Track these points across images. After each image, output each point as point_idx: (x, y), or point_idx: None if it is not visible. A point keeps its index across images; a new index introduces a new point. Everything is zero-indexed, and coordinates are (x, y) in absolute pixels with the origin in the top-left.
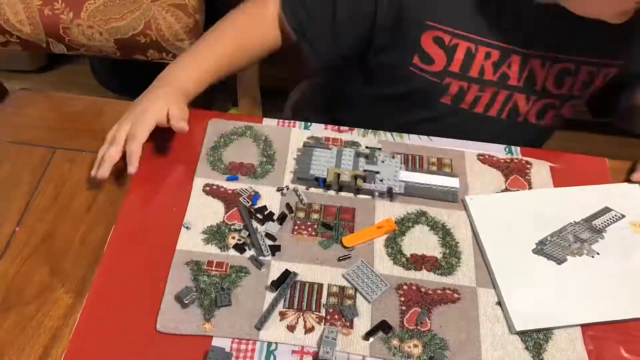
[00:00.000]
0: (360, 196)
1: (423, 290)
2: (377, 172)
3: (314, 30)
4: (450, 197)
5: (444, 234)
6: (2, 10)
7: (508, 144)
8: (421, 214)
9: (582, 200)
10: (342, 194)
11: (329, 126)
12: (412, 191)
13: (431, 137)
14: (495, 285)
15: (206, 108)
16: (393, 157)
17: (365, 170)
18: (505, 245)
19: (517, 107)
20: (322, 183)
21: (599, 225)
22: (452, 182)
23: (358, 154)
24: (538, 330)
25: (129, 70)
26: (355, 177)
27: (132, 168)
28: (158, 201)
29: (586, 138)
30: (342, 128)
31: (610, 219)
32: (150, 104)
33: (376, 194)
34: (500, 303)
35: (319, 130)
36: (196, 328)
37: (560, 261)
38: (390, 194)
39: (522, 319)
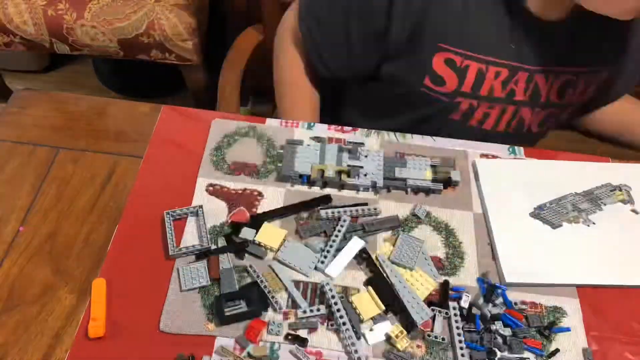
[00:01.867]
0: (363, 196)
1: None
2: (361, 167)
3: (327, 49)
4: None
5: (448, 234)
6: (6, 11)
7: None
8: (424, 214)
9: (587, 174)
10: (345, 192)
11: (332, 126)
12: (397, 184)
13: (434, 137)
14: (491, 242)
15: (212, 108)
16: (377, 152)
17: (349, 166)
18: (505, 206)
19: (523, 119)
20: (305, 180)
21: (599, 197)
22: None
23: (341, 149)
24: (526, 285)
25: (132, 71)
26: (340, 172)
27: None
28: (161, 201)
29: (588, 138)
30: (345, 128)
31: (610, 193)
32: None
33: (361, 188)
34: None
35: (322, 130)
36: (199, 328)
37: (555, 226)
38: (374, 188)
39: (513, 273)
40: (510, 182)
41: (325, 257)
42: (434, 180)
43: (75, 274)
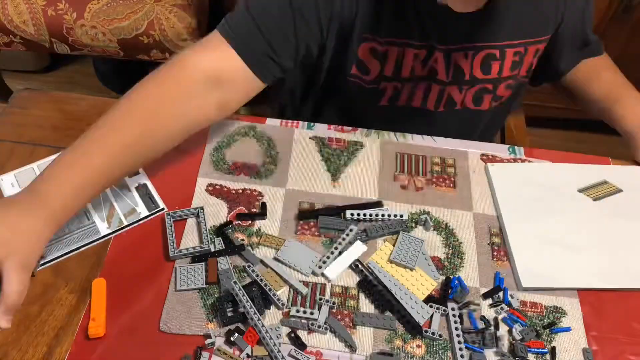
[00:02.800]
0: (364, 196)
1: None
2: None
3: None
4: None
5: (448, 234)
6: (6, 11)
7: (461, 132)
8: (424, 214)
9: (591, 174)
10: (344, 193)
11: (332, 126)
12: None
13: (434, 138)
14: (507, 247)
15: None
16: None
17: None
18: (519, 209)
19: (452, 98)
20: None
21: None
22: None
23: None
24: (543, 289)
25: (132, 71)
26: None
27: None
28: (162, 201)
29: (588, 138)
30: (345, 128)
31: (605, 190)
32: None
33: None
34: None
35: (322, 130)
36: (199, 328)
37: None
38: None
39: (529, 278)
40: (522, 186)
41: (324, 262)
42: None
43: (75, 274)
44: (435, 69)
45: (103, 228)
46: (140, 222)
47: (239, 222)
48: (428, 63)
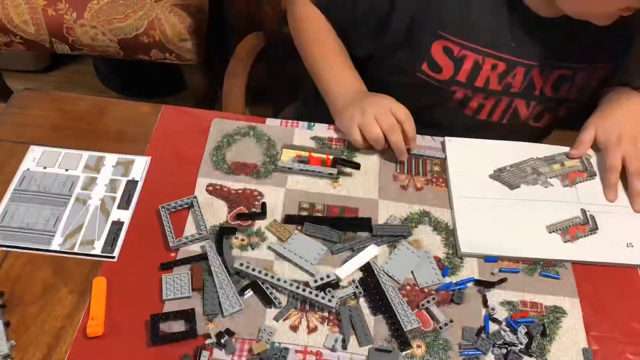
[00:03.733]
0: (364, 196)
1: (426, 290)
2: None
3: (334, 19)
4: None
5: (448, 234)
6: (6, 11)
7: None
8: (424, 214)
9: (552, 149)
10: (344, 193)
11: (332, 126)
12: None
13: (434, 137)
14: (452, 217)
15: (212, 108)
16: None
17: None
18: (467, 176)
19: (517, 112)
20: None
21: (560, 162)
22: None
23: None
24: (481, 256)
25: (132, 71)
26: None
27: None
28: (161, 201)
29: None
30: None
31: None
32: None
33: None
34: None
35: (322, 130)
36: (200, 328)
37: (513, 187)
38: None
39: (469, 245)
40: (476, 158)
41: (339, 249)
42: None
43: (75, 274)
44: (510, 85)
45: (55, 243)
46: (85, 257)
47: (239, 222)
48: (505, 78)
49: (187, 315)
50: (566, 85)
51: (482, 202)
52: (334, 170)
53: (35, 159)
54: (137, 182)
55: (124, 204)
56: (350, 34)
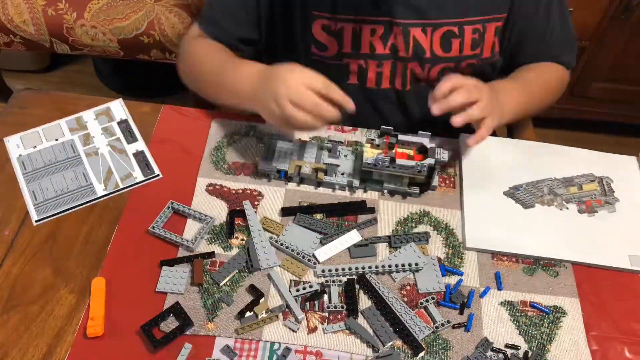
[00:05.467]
0: (364, 196)
1: (426, 293)
2: (338, 165)
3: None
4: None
5: (447, 234)
6: (6, 11)
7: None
8: (424, 214)
9: (570, 160)
10: (345, 192)
11: (332, 126)
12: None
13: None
14: (462, 215)
15: (212, 108)
16: (354, 151)
17: (325, 163)
18: (481, 182)
19: (415, 75)
20: (283, 175)
21: (578, 185)
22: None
23: (321, 147)
24: (488, 252)
25: (132, 71)
26: (317, 169)
27: (351, 104)
28: (161, 201)
29: (582, 137)
30: (345, 128)
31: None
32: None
33: (336, 187)
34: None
35: (322, 130)
36: (199, 328)
37: (527, 206)
38: (350, 188)
39: (475, 239)
40: (492, 160)
41: (322, 243)
42: (410, 184)
43: (75, 274)
44: (396, 47)
45: (99, 189)
46: (136, 186)
47: (239, 222)
48: (388, 40)
49: (174, 310)
50: (456, 41)
51: (494, 206)
52: (417, 190)
53: (18, 145)
54: (126, 120)
55: (130, 138)
56: (237, 30)
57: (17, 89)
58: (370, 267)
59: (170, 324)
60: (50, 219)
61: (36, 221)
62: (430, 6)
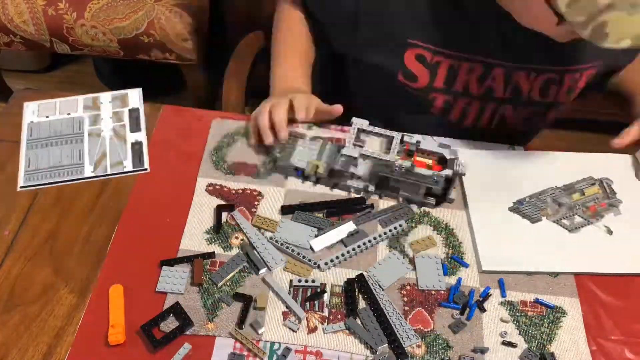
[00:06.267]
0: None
1: (426, 291)
2: (356, 167)
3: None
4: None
5: (447, 234)
6: (6, 11)
7: None
8: (424, 214)
9: (570, 165)
10: (345, 193)
11: (332, 126)
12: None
13: (434, 137)
14: (470, 231)
15: (212, 108)
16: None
17: (340, 166)
18: (485, 198)
19: (505, 118)
20: (300, 174)
21: (579, 191)
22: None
23: (339, 149)
24: (503, 272)
25: (132, 71)
26: (332, 171)
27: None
28: (161, 201)
29: (582, 137)
30: (345, 128)
31: (590, 188)
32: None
33: (352, 190)
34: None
35: (321, 130)
36: (199, 328)
37: (534, 220)
38: (366, 191)
39: (490, 261)
40: (492, 173)
41: (317, 235)
42: (427, 194)
43: (75, 273)
44: (492, 88)
45: (88, 171)
46: (122, 174)
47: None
48: (485, 81)
49: (174, 310)
50: (554, 88)
51: (502, 223)
52: (432, 201)
53: (34, 111)
54: (138, 109)
55: (135, 127)
56: (326, 28)
57: (17, 89)
58: (364, 244)
59: (170, 324)
60: (33, 188)
61: (21, 187)
62: (539, 52)
